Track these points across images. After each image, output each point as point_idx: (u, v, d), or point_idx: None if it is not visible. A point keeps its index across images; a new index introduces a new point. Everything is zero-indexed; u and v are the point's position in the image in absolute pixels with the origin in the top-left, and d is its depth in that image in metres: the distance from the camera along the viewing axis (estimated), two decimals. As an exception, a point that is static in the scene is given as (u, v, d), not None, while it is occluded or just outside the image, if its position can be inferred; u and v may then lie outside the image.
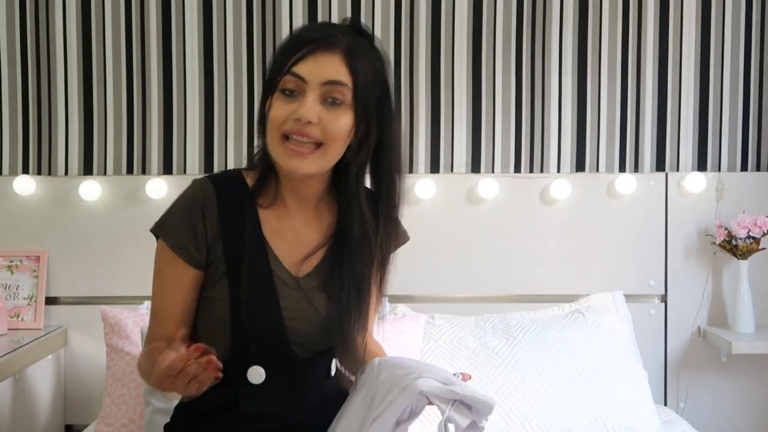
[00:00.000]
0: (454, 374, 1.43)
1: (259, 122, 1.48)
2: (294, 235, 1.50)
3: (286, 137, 1.41)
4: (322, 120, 1.40)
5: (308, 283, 1.48)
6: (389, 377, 1.40)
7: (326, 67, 1.40)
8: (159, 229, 1.48)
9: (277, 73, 1.43)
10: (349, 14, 2.59)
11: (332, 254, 1.50)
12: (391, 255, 1.60)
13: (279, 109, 1.42)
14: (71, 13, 2.58)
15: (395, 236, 1.59)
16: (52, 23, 2.58)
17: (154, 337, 1.46)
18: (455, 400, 1.34)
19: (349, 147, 1.46)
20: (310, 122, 1.39)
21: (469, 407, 1.35)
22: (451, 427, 1.35)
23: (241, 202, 1.47)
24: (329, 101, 1.41)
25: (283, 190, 1.49)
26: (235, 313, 1.43)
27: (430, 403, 1.37)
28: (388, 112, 1.49)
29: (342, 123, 1.42)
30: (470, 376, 1.47)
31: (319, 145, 1.41)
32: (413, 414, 1.39)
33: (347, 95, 1.41)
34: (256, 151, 1.53)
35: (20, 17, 2.59)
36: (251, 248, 1.45)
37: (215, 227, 1.44)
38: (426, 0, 2.60)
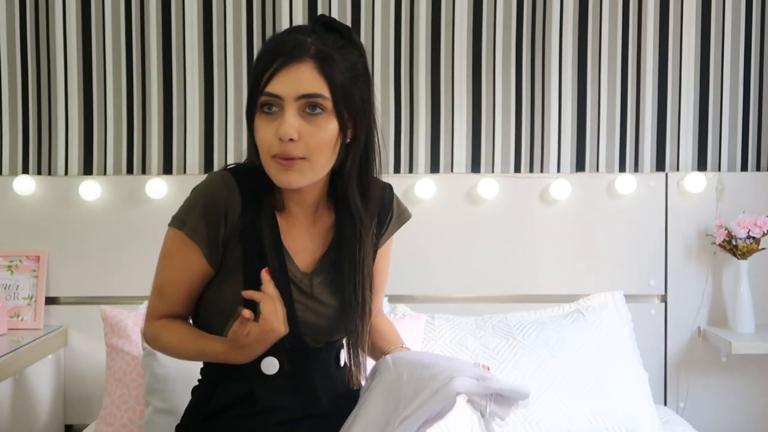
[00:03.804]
0: (474, 364, 1.44)
1: (249, 135, 1.47)
2: (300, 236, 1.52)
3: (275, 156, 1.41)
4: (303, 135, 1.38)
5: (315, 279, 1.51)
6: (415, 377, 1.40)
7: (299, 81, 1.38)
8: (177, 221, 1.47)
9: (253, 92, 1.42)
10: (349, 14, 2.59)
11: (333, 252, 1.52)
12: (390, 237, 1.64)
13: (263, 130, 1.41)
14: (71, 13, 2.58)
15: (395, 221, 1.63)
16: (52, 23, 2.58)
17: (158, 314, 1.51)
18: (492, 394, 1.34)
19: (342, 148, 1.46)
20: (291, 140, 1.38)
21: (501, 396, 1.35)
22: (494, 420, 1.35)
23: (261, 203, 1.47)
24: (310, 111, 1.39)
25: (287, 200, 1.51)
26: (249, 309, 1.44)
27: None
28: (371, 104, 1.49)
29: (325, 132, 1.40)
30: (489, 368, 1.47)
31: (303, 158, 1.40)
32: (440, 415, 1.40)
33: (326, 103, 1.39)
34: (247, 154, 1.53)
35: (20, 17, 2.59)
36: (270, 250, 1.46)
37: (235, 225, 1.45)
38: (426, 0, 2.60)
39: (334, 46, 1.42)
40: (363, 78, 1.46)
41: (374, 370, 1.52)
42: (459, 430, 2.01)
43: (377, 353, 1.60)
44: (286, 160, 1.39)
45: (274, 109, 1.40)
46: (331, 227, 1.54)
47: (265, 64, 1.41)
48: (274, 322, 1.37)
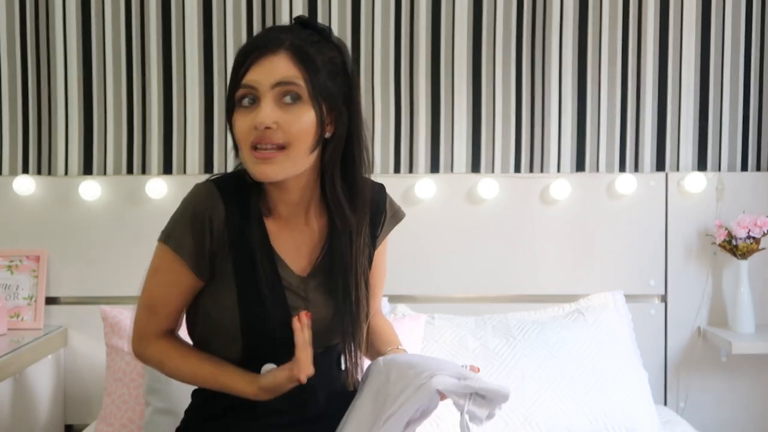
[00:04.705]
0: (462, 366, 1.43)
1: (233, 143, 1.47)
2: (294, 240, 1.51)
3: (255, 147, 1.40)
4: (280, 123, 1.39)
5: (312, 282, 1.50)
6: (400, 377, 1.40)
7: (273, 69, 1.39)
8: (165, 236, 1.47)
9: (230, 90, 1.43)
10: (349, 14, 2.59)
11: (327, 254, 1.51)
12: (385, 238, 1.63)
13: (240, 122, 1.42)
14: (71, 13, 2.58)
15: (389, 220, 1.61)
16: (52, 23, 2.58)
17: (152, 332, 1.52)
18: (471, 394, 1.34)
19: (326, 143, 1.45)
20: (268, 128, 1.38)
21: (483, 398, 1.35)
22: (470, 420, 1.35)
23: (248, 209, 1.46)
24: (287, 100, 1.40)
25: (275, 201, 1.49)
26: (246, 319, 1.45)
27: (443, 398, 1.37)
28: (354, 104, 1.48)
29: (302, 121, 1.40)
30: (479, 369, 1.47)
31: (282, 147, 1.40)
32: (425, 413, 1.40)
33: (302, 91, 1.40)
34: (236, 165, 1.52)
35: (20, 17, 2.59)
36: (260, 256, 1.45)
37: (222, 235, 1.44)
38: (426, 0, 2.60)
39: (309, 40, 1.43)
40: (342, 74, 1.46)
41: (367, 372, 1.51)
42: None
43: (374, 355, 1.59)
44: (263, 152, 1.39)
45: (253, 102, 1.40)
46: (324, 226, 1.53)
47: (241, 59, 1.42)
48: (302, 375, 1.37)
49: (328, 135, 1.45)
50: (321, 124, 1.42)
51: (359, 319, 1.50)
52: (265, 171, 1.40)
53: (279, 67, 1.39)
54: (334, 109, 1.44)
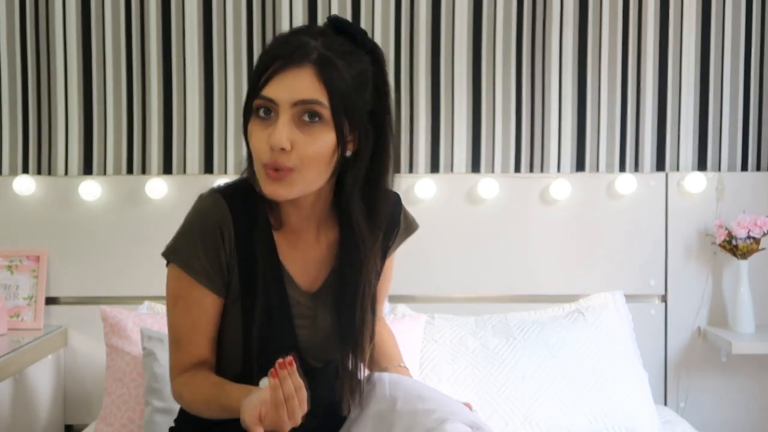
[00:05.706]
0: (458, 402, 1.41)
1: (247, 144, 1.39)
2: (303, 255, 1.45)
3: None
4: (296, 145, 1.30)
5: (319, 299, 1.45)
6: (409, 411, 1.35)
7: (296, 86, 1.29)
8: (174, 255, 1.38)
9: (250, 95, 1.35)
10: (349, 14, 2.59)
11: (337, 269, 1.46)
12: (395, 249, 1.59)
13: (255, 135, 1.33)
14: (71, 13, 2.58)
15: (401, 233, 1.57)
16: (52, 23, 2.58)
17: (181, 368, 1.41)
18: None
19: (346, 160, 1.37)
20: (282, 149, 1.29)
21: None
22: None
23: (256, 221, 1.39)
24: (305, 119, 1.31)
25: (287, 213, 1.43)
26: (247, 335, 1.38)
27: None
28: (384, 116, 1.39)
29: (320, 143, 1.31)
30: (471, 405, 1.45)
31: (293, 168, 1.31)
32: None
33: (324, 111, 1.30)
34: (245, 166, 1.44)
35: (20, 18, 2.59)
36: (266, 270, 1.39)
37: (232, 249, 1.37)
38: (426, 0, 2.60)
39: (340, 50, 1.33)
40: (374, 87, 1.37)
41: (369, 387, 1.47)
42: None
43: (375, 369, 1.57)
44: (276, 171, 1.31)
45: (270, 114, 1.32)
46: (336, 242, 1.46)
47: (264, 64, 1.33)
48: (284, 427, 1.24)
49: (349, 154, 1.37)
50: (342, 147, 1.34)
51: (364, 338, 1.45)
52: (276, 191, 1.33)
53: (302, 85, 1.29)
54: (357, 127, 1.35)
